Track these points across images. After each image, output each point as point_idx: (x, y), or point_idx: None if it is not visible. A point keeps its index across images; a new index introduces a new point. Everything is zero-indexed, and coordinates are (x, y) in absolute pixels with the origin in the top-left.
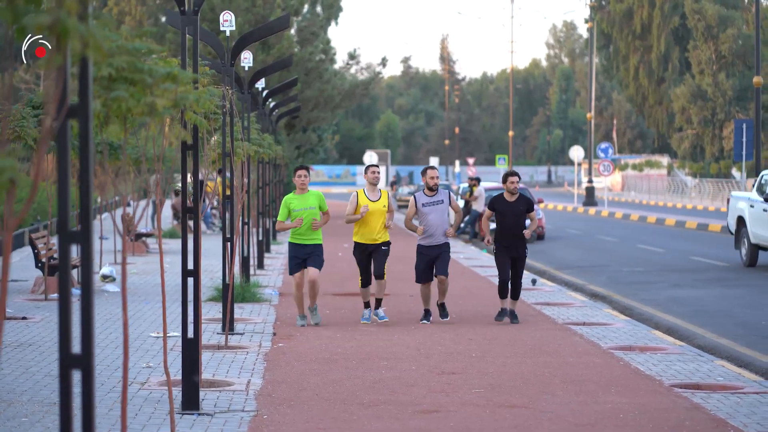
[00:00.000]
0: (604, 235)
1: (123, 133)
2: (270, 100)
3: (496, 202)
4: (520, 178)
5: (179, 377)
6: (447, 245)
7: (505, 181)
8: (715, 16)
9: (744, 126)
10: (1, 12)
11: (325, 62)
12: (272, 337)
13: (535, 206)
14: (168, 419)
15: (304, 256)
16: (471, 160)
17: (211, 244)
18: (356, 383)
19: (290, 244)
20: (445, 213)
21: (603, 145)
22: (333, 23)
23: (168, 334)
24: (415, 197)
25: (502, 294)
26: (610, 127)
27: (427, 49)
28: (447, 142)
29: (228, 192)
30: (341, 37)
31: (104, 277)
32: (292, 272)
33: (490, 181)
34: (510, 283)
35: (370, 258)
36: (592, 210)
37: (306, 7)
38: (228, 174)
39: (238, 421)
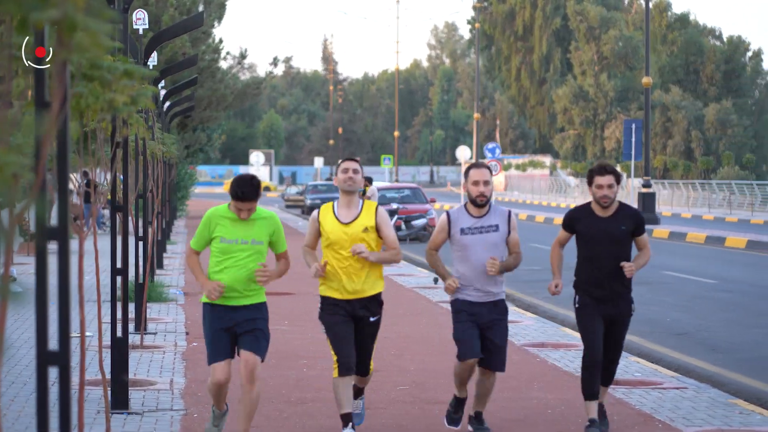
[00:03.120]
0: None
1: (80, 131)
2: (169, 99)
3: (578, 219)
4: (619, 179)
5: (99, 377)
6: (503, 305)
7: (591, 181)
8: (597, 18)
9: (633, 126)
10: (6, 5)
11: (217, 61)
12: (186, 336)
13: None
14: (98, 419)
15: (232, 327)
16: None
17: (106, 244)
18: (280, 381)
19: (207, 306)
20: (500, 248)
21: (490, 145)
22: (216, 23)
23: (80, 335)
24: (449, 216)
25: (590, 389)
26: (493, 128)
27: (309, 50)
28: (331, 142)
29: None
30: (223, 36)
31: None
32: (212, 359)
33: (377, 180)
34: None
35: (350, 324)
36: None
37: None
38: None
39: (169, 420)
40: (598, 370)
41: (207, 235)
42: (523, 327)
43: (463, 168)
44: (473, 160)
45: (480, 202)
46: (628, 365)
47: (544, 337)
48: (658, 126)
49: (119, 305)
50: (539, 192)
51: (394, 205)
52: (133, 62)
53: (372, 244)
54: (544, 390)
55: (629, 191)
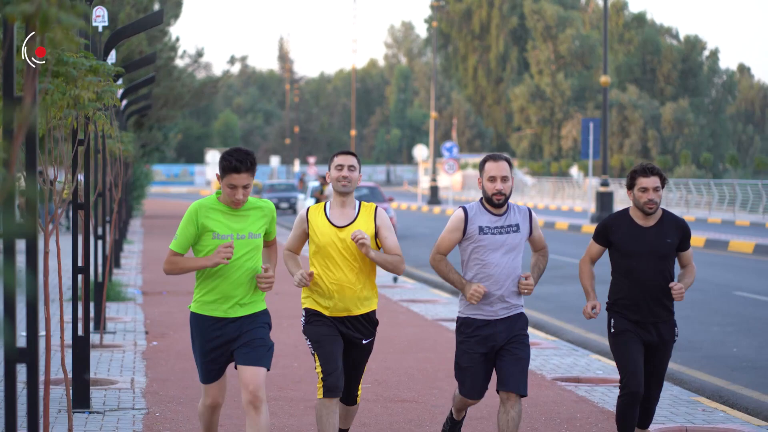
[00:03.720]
0: None
1: (45, 127)
2: (126, 97)
3: (615, 229)
4: (665, 181)
5: (60, 376)
6: (523, 319)
7: (632, 184)
8: (554, 17)
9: (591, 125)
10: None
11: (173, 60)
12: (145, 336)
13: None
14: (59, 418)
15: (228, 342)
16: (312, 159)
17: (63, 244)
18: None
19: (195, 317)
20: (519, 252)
21: (447, 144)
22: (173, 21)
23: (46, 333)
24: (466, 212)
25: (627, 426)
26: (450, 127)
27: (265, 49)
28: (288, 141)
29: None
30: (179, 35)
31: None
32: (205, 379)
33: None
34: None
35: (339, 339)
36: (437, 209)
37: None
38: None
39: (131, 419)
40: (638, 404)
41: (193, 232)
42: None
43: (436, 160)
44: (429, 160)
45: (497, 202)
46: (589, 363)
47: None
48: (615, 125)
49: (80, 304)
50: None
51: None
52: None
53: (367, 250)
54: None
55: (586, 190)
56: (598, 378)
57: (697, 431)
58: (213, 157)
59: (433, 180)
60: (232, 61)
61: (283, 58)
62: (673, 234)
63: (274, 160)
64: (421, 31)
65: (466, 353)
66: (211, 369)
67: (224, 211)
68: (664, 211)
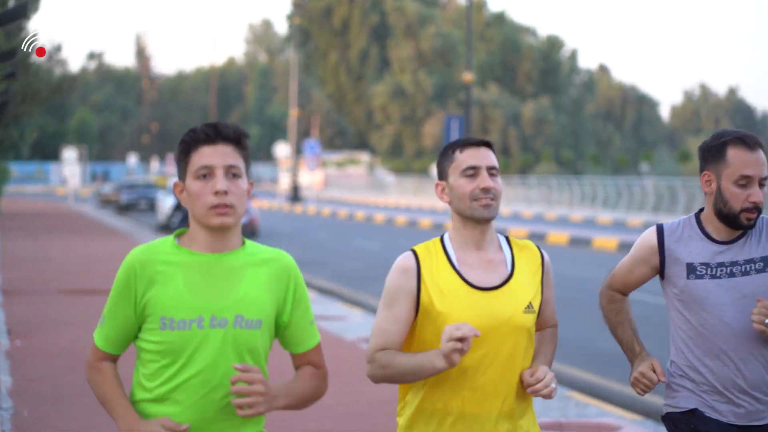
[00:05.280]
0: (317, 233)
1: None
2: None
3: None
4: None
5: None
6: None
7: None
8: (415, 14)
9: (455, 123)
10: None
11: (31, 55)
12: (8, 335)
13: (250, 204)
14: None
15: None
16: (172, 157)
17: None
18: None
19: None
20: None
21: (310, 142)
22: (32, 14)
23: None
24: (660, 232)
25: None
26: (311, 124)
27: (121, 45)
28: (146, 138)
29: None
30: (36, 29)
31: None
32: None
33: None
34: None
35: None
36: (299, 207)
37: None
38: None
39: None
40: None
41: (130, 314)
42: (351, 323)
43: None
44: (291, 156)
45: (747, 223)
46: None
47: None
48: (476, 123)
49: None
50: (358, 189)
51: None
52: None
53: (531, 329)
54: (382, 385)
55: None
56: None
57: (571, 425)
58: (69, 154)
59: (294, 178)
60: (92, 56)
61: (141, 54)
62: None
63: (132, 158)
64: (281, 28)
65: None
66: None
67: (188, 265)
68: None
